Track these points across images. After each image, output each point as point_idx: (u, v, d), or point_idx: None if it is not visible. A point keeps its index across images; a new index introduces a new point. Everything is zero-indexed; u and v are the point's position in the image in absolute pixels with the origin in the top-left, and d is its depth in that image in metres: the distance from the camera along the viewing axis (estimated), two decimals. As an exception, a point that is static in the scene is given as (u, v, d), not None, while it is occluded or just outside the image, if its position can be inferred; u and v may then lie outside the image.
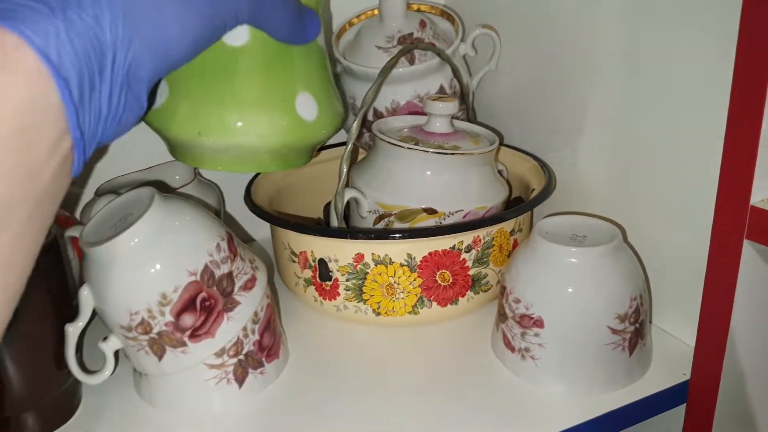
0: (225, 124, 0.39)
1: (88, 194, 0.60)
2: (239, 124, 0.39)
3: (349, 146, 0.48)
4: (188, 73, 0.36)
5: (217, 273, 0.44)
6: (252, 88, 0.39)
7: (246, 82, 0.38)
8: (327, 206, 0.61)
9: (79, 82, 0.24)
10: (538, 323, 0.44)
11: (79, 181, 0.60)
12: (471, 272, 0.50)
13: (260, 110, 0.39)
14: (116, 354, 0.46)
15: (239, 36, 0.37)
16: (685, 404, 0.46)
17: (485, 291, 0.52)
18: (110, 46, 0.25)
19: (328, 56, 0.45)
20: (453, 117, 0.54)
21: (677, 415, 0.46)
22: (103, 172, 0.60)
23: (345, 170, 0.49)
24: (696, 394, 0.45)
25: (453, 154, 0.49)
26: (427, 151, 0.49)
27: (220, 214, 0.61)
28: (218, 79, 0.38)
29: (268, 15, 0.34)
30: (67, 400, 0.46)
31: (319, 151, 0.66)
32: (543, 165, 0.56)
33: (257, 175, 0.60)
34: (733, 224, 0.40)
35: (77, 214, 0.61)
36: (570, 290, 0.43)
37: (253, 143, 0.40)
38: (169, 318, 0.42)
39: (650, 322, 0.49)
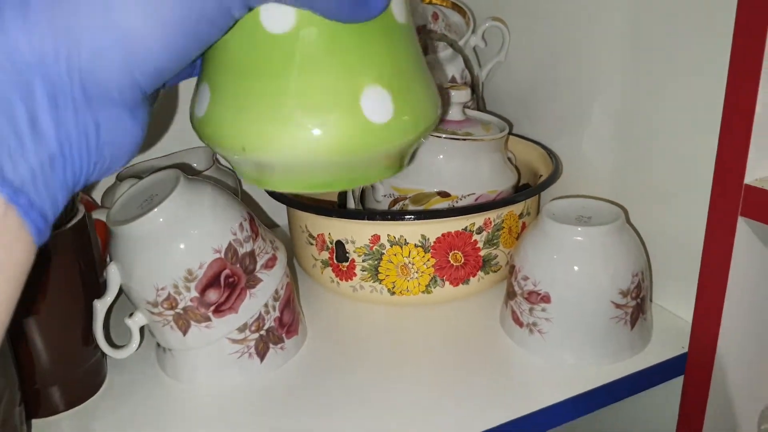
0: (266, 137, 0.30)
1: (108, 180, 0.62)
2: (283, 136, 0.30)
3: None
4: (226, 69, 0.30)
5: (240, 251, 0.46)
6: (298, 88, 0.30)
7: (290, 80, 0.30)
8: (342, 191, 0.63)
9: None
10: (546, 299, 0.46)
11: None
12: (482, 253, 0.52)
13: (309, 117, 0.30)
14: (141, 330, 0.48)
15: (282, 19, 0.29)
16: (683, 376, 0.48)
17: (495, 271, 0.54)
18: (35, 66, 0.19)
19: (415, 31, 0.34)
20: (465, 106, 0.56)
21: (676, 386, 0.49)
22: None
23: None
24: (693, 366, 0.47)
25: (465, 139, 0.51)
26: (440, 137, 0.51)
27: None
28: (257, 78, 0.30)
29: None
30: (93, 376, 0.48)
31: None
32: (550, 153, 0.58)
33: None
34: (728, 203, 0.42)
35: (99, 200, 0.63)
36: (576, 267, 0.45)
37: (304, 159, 0.31)
38: (195, 294, 0.44)
39: (650, 300, 0.51)
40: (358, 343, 0.50)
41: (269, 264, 0.47)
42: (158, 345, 0.49)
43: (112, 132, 0.22)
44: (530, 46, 0.61)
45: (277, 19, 0.29)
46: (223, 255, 0.45)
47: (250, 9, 0.25)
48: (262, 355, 0.48)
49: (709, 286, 0.45)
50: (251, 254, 0.46)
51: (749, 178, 0.41)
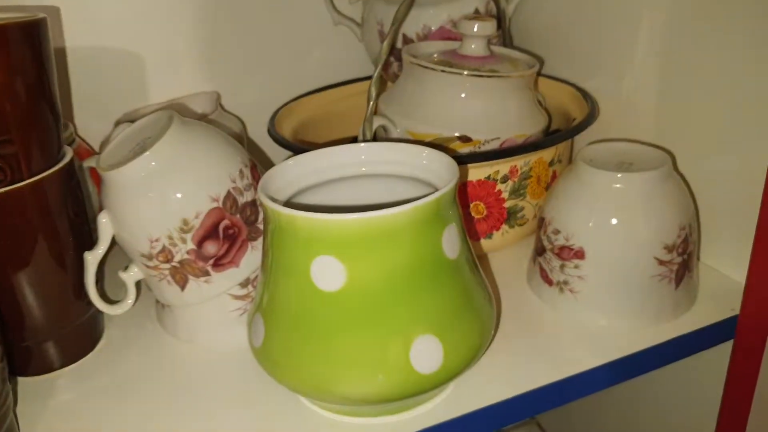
0: (315, 387, 0.32)
1: (107, 128, 0.58)
2: (332, 388, 0.32)
3: (379, 68, 0.46)
4: (280, 312, 0.32)
5: (241, 200, 0.42)
6: (347, 345, 0.31)
7: (339, 337, 0.31)
8: (353, 140, 0.58)
9: None
10: (579, 254, 0.41)
11: (99, 114, 0.59)
12: (507, 204, 0.47)
13: (358, 374, 0.31)
14: (138, 285, 0.45)
15: (332, 279, 0.30)
16: (732, 340, 0.43)
17: (521, 225, 0.49)
18: None
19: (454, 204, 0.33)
20: (489, 40, 0.50)
21: (723, 352, 0.44)
22: (122, 106, 0.58)
23: (374, 94, 0.46)
24: (745, 330, 0.42)
25: (490, 76, 0.46)
26: (461, 74, 0.46)
27: (243, 145, 0.59)
28: (309, 332, 0.31)
29: None
30: (88, 332, 0.45)
31: (346, 84, 0.63)
32: (585, 93, 0.53)
33: (281, 107, 0.57)
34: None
35: (97, 148, 0.59)
36: (615, 219, 0.40)
37: (351, 404, 0.33)
38: (191, 246, 0.41)
39: (698, 258, 0.46)
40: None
41: (273, 214, 0.43)
42: (157, 300, 0.46)
43: None
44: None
45: (327, 279, 0.30)
46: (221, 204, 0.41)
47: None
48: (266, 312, 0.44)
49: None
50: (253, 204, 0.42)
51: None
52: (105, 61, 0.58)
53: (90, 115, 0.59)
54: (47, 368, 0.43)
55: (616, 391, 0.56)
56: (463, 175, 0.46)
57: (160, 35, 0.59)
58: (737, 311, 0.42)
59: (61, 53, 0.56)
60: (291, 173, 0.37)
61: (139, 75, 0.60)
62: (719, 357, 0.45)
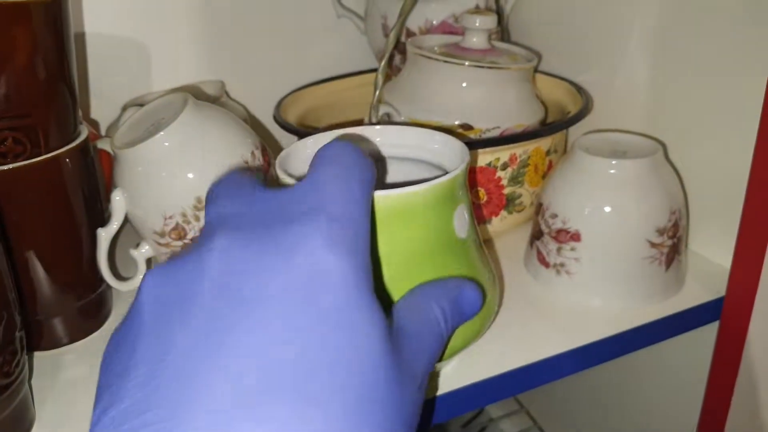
0: None
1: (112, 114, 0.59)
2: None
3: (386, 57, 0.47)
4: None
5: (252, 180, 0.43)
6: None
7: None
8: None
9: None
10: (575, 237, 0.43)
11: (105, 98, 0.60)
12: (506, 191, 0.49)
13: None
14: (148, 263, 0.46)
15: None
16: (718, 322, 0.45)
17: (519, 211, 0.51)
18: None
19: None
20: (490, 35, 0.52)
21: (709, 333, 0.46)
22: (128, 92, 0.59)
23: (381, 83, 0.48)
24: (730, 311, 0.44)
25: (491, 67, 0.48)
26: (463, 64, 0.48)
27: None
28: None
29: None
30: (98, 309, 0.46)
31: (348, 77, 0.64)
32: (578, 88, 0.55)
33: (286, 95, 0.59)
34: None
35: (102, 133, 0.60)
36: (609, 202, 0.42)
37: None
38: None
39: (686, 245, 0.48)
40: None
41: (282, 195, 0.45)
42: (165, 279, 0.47)
43: None
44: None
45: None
46: (233, 183, 0.42)
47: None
48: (273, 290, 0.45)
49: (753, 227, 0.42)
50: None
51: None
52: (109, 49, 0.59)
53: (94, 102, 0.60)
54: (56, 343, 0.43)
55: (605, 370, 0.58)
56: (472, 159, 0.47)
57: (165, 23, 0.60)
58: (723, 294, 0.45)
59: (69, 39, 0.57)
60: (308, 152, 0.39)
61: (144, 63, 0.61)
62: (705, 337, 0.47)
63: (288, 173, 0.34)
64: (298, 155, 0.37)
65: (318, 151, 0.25)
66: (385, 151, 0.39)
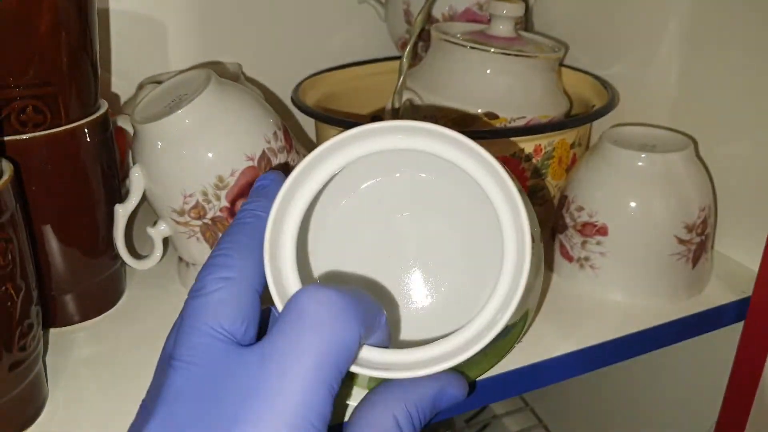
0: None
1: (128, 90, 0.58)
2: None
3: (412, 41, 0.46)
4: None
5: (274, 161, 0.42)
6: None
7: None
8: (374, 119, 0.59)
9: None
10: (602, 231, 0.43)
11: (122, 75, 0.59)
12: (529, 183, 0.49)
13: None
14: (165, 242, 0.45)
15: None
16: (743, 322, 0.45)
17: (540, 205, 0.50)
18: None
19: None
20: (517, 23, 0.51)
21: (733, 333, 0.45)
22: (145, 70, 0.58)
23: (406, 67, 0.47)
24: (756, 312, 0.44)
25: (517, 55, 0.47)
26: (489, 51, 0.47)
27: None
28: None
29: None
30: (111, 288, 0.45)
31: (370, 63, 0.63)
32: (604, 83, 0.54)
33: (305, 79, 0.58)
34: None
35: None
36: (638, 196, 0.42)
37: None
38: (225, 203, 0.41)
39: (712, 245, 0.48)
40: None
41: (304, 178, 0.44)
42: (180, 259, 0.46)
43: None
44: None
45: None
46: (256, 163, 0.41)
47: None
48: (291, 275, 0.44)
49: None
50: (285, 166, 0.43)
51: None
52: (126, 26, 0.58)
53: (110, 79, 0.59)
54: (68, 320, 0.42)
55: (626, 368, 0.57)
56: (498, 148, 0.46)
57: (186, 3, 0.59)
58: (748, 294, 0.44)
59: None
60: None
61: (162, 42, 0.60)
62: (727, 339, 0.46)
63: None
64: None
65: (290, 304, 0.21)
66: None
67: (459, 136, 0.24)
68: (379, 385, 0.25)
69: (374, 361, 0.24)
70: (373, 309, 0.23)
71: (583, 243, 0.44)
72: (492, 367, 0.34)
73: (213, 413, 0.20)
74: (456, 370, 0.31)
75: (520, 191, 0.25)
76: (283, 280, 0.25)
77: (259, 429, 0.19)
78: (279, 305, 0.24)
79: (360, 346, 0.22)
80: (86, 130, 0.39)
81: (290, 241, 0.26)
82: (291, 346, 0.21)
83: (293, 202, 0.26)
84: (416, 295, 0.32)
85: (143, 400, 0.22)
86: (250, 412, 0.20)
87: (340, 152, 0.26)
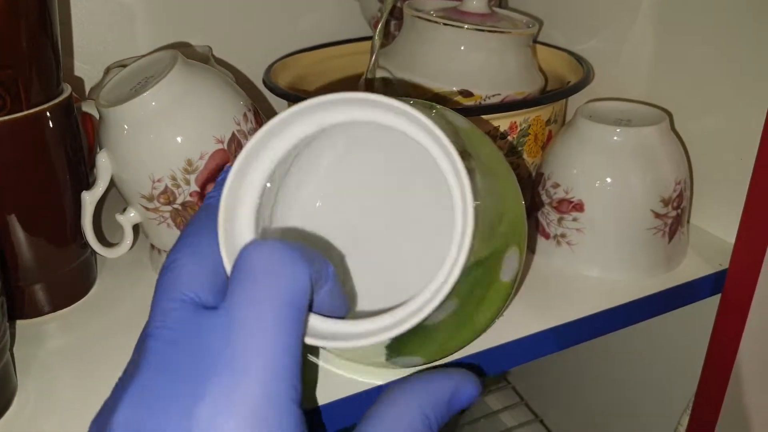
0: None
1: (95, 76, 0.57)
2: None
3: (384, 18, 0.46)
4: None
5: (244, 143, 0.41)
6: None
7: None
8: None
9: None
10: (578, 207, 0.42)
11: (88, 60, 0.57)
12: (504, 161, 0.48)
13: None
14: (135, 229, 0.44)
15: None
16: (720, 294, 0.45)
17: (517, 182, 0.50)
18: None
19: None
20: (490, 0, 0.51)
21: (710, 307, 0.46)
22: (112, 55, 0.57)
23: (378, 45, 0.46)
24: (733, 284, 0.44)
25: (491, 31, 0.47)
26: (462, 27, 0.46)
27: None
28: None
29: None
30: (81, 277, 0.44)
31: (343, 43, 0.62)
32: (579, 58, 0.54)
33: (276, 61, 0.57)
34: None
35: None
36: (613, 171, 0.41)
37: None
38: (195, 188, 0.40)
39: (688, 220, 0.48)
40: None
41: (276, 160, 0.43)
42: (152, 246, 0.45)
43: None
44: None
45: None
46: (225, 146, 0.40)
47: None
48: (266, 259, 0.44)
49: (760, 199, 0.41)
50: (256, 148, 0.42)
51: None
52: (92, 9, 0.57)
53: (77, 64, 0.57)
54: (38, 311, 0.41)
55: (604, 343, 0.57)
56: (478, 126, 0.45)
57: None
58: (725, 266, 0.44)
59: None
60: None
61: (129, 26, 0.59)
62: (704, 313, 0.46)
63: None
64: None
65: (238, 260, 0.22)
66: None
67: (390, 100, 0.24)
68: (394, 390, 0.25)
69: (322, 331, 0.24)
70: (319, 259, 0.23)
71: (560, 220, 0.43)
72: (472, 340, 0.33)
73: (188, 377, 0.20)
74: (434, 342, 0.31)
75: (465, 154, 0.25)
76: (236, 245, 0.26)
77: (236, 378, 0.20)
78: (228, 265, 0.24)
79: (311, 290, 0.22)
80: (48, 114, 0.38)
81: (247, 216, 0.26)
82: (249, 298, 0.21)
83: (248, 178, 0.27)
84: (385, 271, 0.32)
85: (119, 378, 0.22)
86: (225, 368, 0.20)
87: (289, 129, 0.27)
